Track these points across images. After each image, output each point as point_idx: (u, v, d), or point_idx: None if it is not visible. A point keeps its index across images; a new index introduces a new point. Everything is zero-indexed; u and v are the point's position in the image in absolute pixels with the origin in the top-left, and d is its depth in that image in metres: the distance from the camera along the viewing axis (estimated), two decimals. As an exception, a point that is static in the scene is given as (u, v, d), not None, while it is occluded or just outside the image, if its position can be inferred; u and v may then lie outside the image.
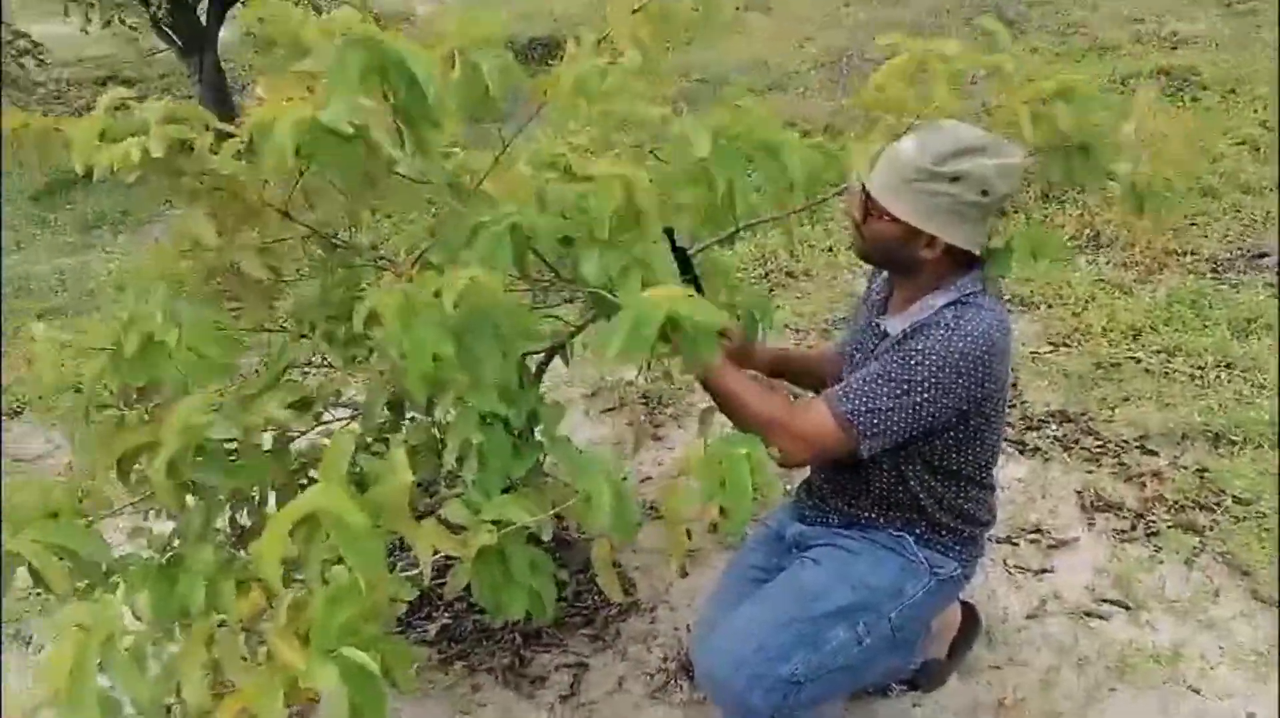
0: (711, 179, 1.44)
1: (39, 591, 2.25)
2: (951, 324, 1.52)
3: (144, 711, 1.04)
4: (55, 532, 1.09)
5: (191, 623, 1.09)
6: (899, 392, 1.51)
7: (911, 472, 1.66)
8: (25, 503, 1.18)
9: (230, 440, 1.27)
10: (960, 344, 1.50)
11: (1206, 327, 3.24)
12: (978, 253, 1.57)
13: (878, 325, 1.69)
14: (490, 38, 1.48)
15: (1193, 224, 4.04)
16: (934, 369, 1.50)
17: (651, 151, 1.62)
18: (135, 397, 1.44)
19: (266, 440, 1.52)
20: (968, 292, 1.58)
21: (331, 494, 0.94)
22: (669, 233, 1.66)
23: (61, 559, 1.09)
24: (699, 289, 1.75)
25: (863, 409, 1.51)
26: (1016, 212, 4.11)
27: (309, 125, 1.13)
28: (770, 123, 1.48)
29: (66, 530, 1.10)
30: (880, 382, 1.52)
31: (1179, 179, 1.64)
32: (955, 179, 1.48)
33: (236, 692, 0.92)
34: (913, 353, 1.51)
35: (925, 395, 1.50)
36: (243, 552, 1.59)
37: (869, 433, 1.52)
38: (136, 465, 1.32)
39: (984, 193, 1.50)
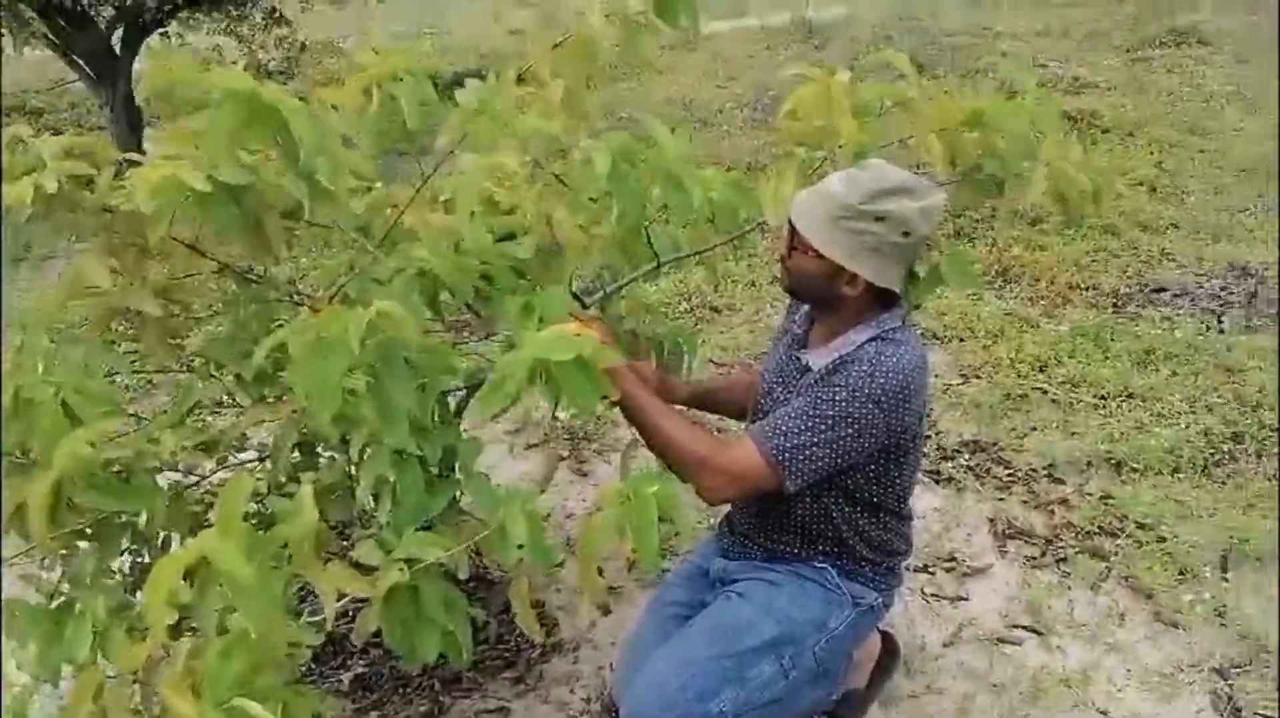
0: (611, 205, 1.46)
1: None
2: (874, 360, 1.55)
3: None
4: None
5: (80, 672, 1.04)
6: (823, 427, 1.52)
7: (833, 504, 1.68)
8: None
9: (122, 474, 1.22)
10: (881, 380, 1.53)
11: (1108, 358, 3.38)
12: (897, 290, 1.62)
13: (799, 359, 1.71)
14: (410, 69, 1.48)
15: (1094, 260, 4.22)
16: (856, 406, 1.52)
17: (556, 177, 1.62)
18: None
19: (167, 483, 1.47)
20: (888, 327, 1.62)
21: (218, 542, 0.91)
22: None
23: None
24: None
25: (787, 446, 1.53)
26: (930, 249, 4.24)
27: (174, 186, 1.12)
28: (676, 153, 1.50)
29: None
30: (804, 418, 1.54)
31: (1099, 182, 1.72)
32: (880, 219, 1.52)
33: (124, 748, 0.88)
34: (836, 388, 1.54)
35: (848, 431, 1.52)
36: (140, 596, 1.53)
37: (794, 471, 1.53)
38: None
39: (905, 234, 1.54)
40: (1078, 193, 1.73)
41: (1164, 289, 3.94)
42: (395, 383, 1.26)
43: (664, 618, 1.86)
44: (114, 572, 1.36)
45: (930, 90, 1.67)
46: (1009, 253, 4.26)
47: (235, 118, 1.14)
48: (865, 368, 1.54)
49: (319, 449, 1.75)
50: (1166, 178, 5.08)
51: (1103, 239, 4.40)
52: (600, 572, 1.25)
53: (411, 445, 1.30)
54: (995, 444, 2.92)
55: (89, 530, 1.26)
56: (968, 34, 8.64)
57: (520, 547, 1.28)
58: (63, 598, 1.29)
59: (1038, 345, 3.46)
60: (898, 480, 1.69)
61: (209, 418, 2.23)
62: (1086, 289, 3.97)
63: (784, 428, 1.54)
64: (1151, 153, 5.45)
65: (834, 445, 1.53)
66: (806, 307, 1.80)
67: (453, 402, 1.81)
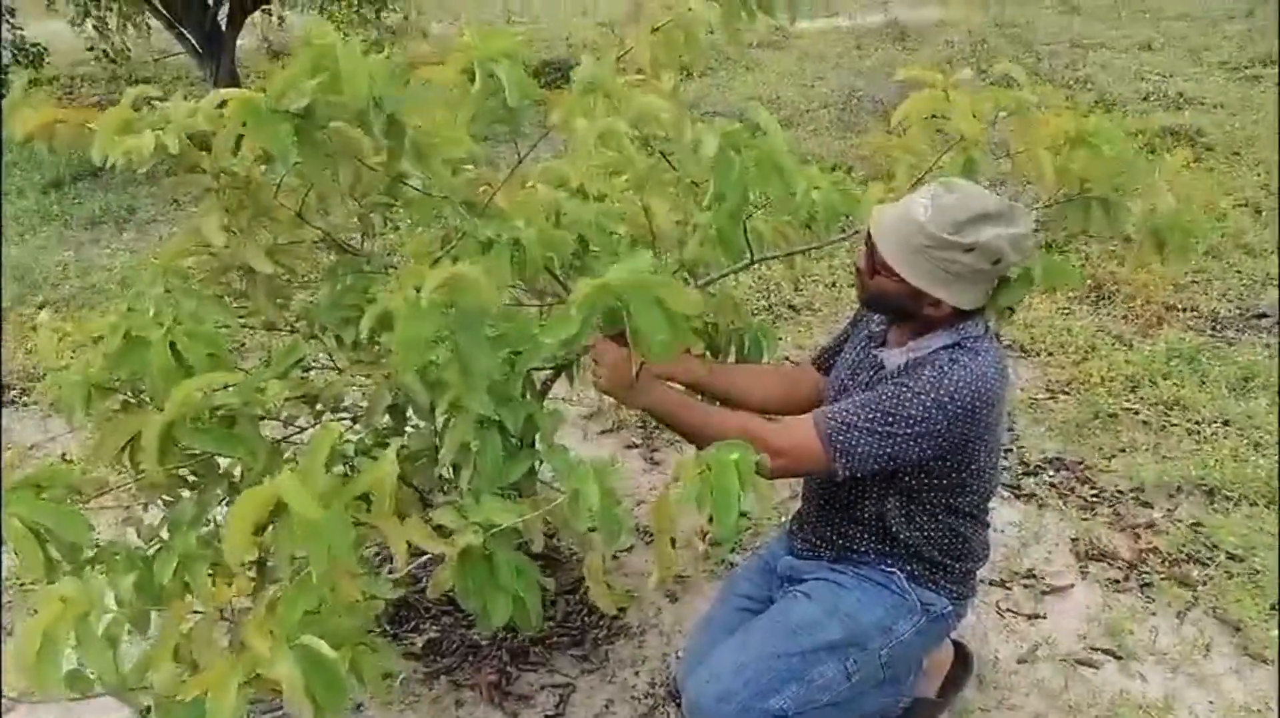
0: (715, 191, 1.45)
1: (21, 580, 2.22)
2: (946, 367, 1.52)
3: (111, 690, 1.02)
4: (36, 509, 1.06)
5: (169, 608, 1.07)
6: (882, 421, 1.50)
7: (898, 504, 1.65)
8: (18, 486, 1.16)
9: (229, 420, 1.25)
10: (950, 387, 1.50)
11: (1205, 383, 3.24)
12: (982, 309, 1.57)
13: (875, 356, 1.68)
14: (508, 52, 1.50)
15: (1194, 281, 4.05)
16: (919, 407, 1.49)
17: (661, 153, 1.62)
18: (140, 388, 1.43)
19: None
20: (969, 335, 1.58)
21: (294, 482, 0.93)
22: None
23: (42, 540, 1.07)
24: None
25: (843, 430, 1.51)
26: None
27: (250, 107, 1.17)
28: (782, 148, 1.49)
29: (46, 509, 1.07)
30: (866, 409, 1.52)
31: (1198, 228, 1.65)
32: (969, 249, 1.48)
33: (200, 676, 0.90)
34: (903, 387, 1.51)
35: (906, 429, 1.50)
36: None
37: (845, 454, 1.51)
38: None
39: (995, 262, 1.50)
40: (1179, 239, 1.66)
41: (1266, 315, 3.76)
42: (474, 346, 1.26)
43: (731, 610, 1.85)
44: (210, 521, 1.41)
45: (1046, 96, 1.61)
46: (1103, 268, 4.13)
47: (311, 63, 1.18)
48: (935, 373, 1.51)
49: (408, 416, 1.78)
50: (1273, 200, 4.85)
51: (1203, 260, 4.22)
52: (673, 543, 1.24)
53: (492, 411, 1.31)
54: (1081, 463, 2.82)
55: (191, 479, 1.31)
56: (1066, 42, 8.40)
57: (592, 525, 1.28)
58: (160, 543, 1.34)
59: (1131, 365, 3.34)
60: (970, 487, 1.65)
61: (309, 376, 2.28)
62: (1184, 310, 3.82)
63: (844, 413, 1.53)
64: (1258, 174, 5.21)
65: (889, 440, 1.50)
66: None
67: (538, 381, 1.83)
